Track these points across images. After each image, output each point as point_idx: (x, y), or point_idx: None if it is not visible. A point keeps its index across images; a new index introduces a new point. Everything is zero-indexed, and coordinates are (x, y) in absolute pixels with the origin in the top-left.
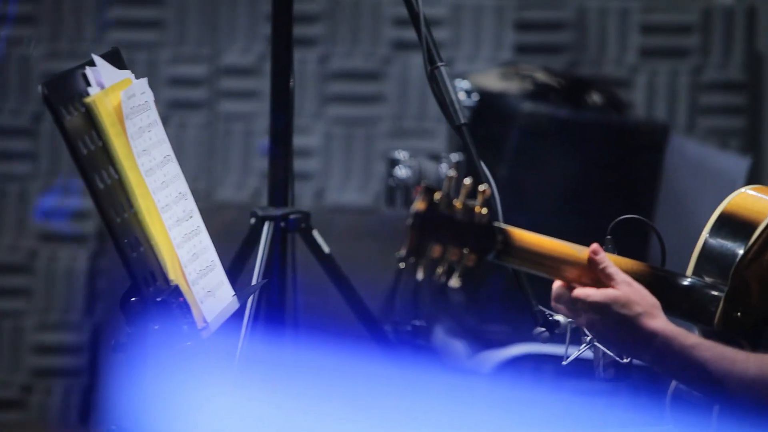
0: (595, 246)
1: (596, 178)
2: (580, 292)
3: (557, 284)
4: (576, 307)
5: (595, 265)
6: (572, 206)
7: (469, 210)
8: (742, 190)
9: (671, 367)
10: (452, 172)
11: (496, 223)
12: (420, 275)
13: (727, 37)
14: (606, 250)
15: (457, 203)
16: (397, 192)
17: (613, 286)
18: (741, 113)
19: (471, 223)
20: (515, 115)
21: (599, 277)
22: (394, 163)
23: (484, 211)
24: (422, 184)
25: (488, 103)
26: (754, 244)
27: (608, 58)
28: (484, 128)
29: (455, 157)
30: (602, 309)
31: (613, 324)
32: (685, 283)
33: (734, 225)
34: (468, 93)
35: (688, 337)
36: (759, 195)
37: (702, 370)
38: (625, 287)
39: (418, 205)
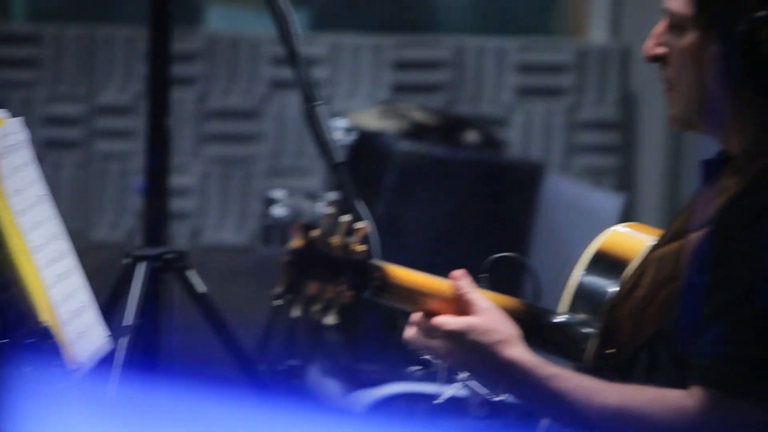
0: (458, 271)
1: (472, 216)
2: (438, 319)
3: (416, 314)
4: (434, 336)
5: (456, 291)
6: (449, 244)
7: (346, 247)
8: (616, 228)
9: (531, 397)
10: (330, 210)
11: (373, 261)
12: (296, 313)
13: (602, 77)
14: (481, 287)
15: (335, 240)
16: (273, 231)
17: (472, 313)
18: (615, 152)
19: (348, 261)
20: (392, 154)
21: (461, 304)
22: (271, 201)
23: (362, 248)
24: (299, 222)
25: (366, 141)
26: (626, 282)
27: (485, 97)
28: (362, 167)
29: (332, 195)
30: (459, 337)
31: (471, 352)
32: (559, 319)
33: (607, 263)
34: (346, 132)
35: (547, 368)
36: (631, 233)
37: (561, 401)
38: (484, 314)
39: (295, 242)
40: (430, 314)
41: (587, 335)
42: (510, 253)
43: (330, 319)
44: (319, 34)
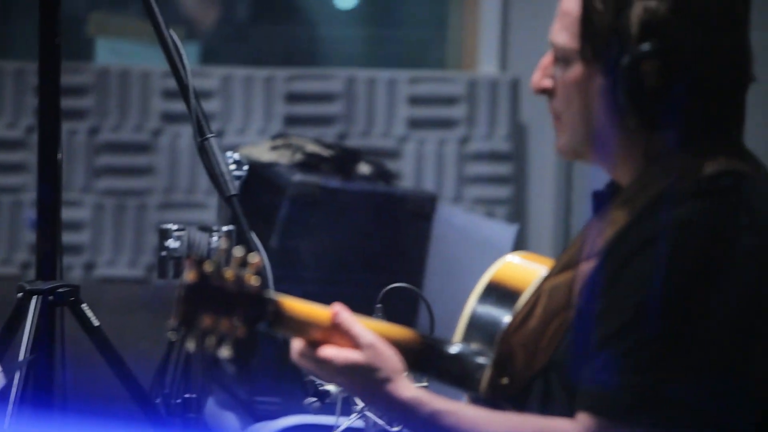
0: (336, 307)
1: (366, 248)
2: (324, 353)
3: (299, 343)
4: (321, 367)
5: (338, 327)
6: (343, 276)
7: (240, 280)
8: (509, 257)
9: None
10: (223, 243)
11: (267, 293)
12: (191, 347)
13: (492, 109)
14: (376, 317)
15: (228, 273)
16: (168, 264)
17: (357, 349)
18: (507, 183)
19: (242, 293)
20: (285, 186)
21: (346, 340)
22: (164, 234)
23: (255, 280)
24: (192, 255)
25: (259, 174)
26: (519, 312)
27: (377, 129)
28: (255, 199)
29: (226, 228)
30: (345, 373)
31: (357, 387)
32: (453, 350)
33: (500, 292)
34: (238, 164)
35: (432, 403)
36: (524, 262)
37: None
38: (368, 351)
39: (189, 275)
40: (317, 344)
41: (482, 365)
42: (404, 284)
43: (225, 353)
44: (210, 67)
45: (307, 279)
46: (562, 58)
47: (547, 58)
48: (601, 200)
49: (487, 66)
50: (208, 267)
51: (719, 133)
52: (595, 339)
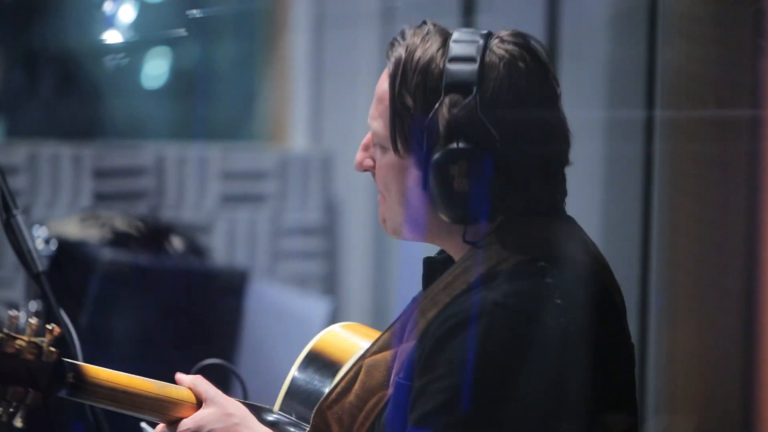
0: (178, 376)
1: (178, 324)
2: (183, 423)
3: (161, 429)
4: None
5: (188, 387)
6: (155, 353)
7: (36, 348)
8: (333, 327)
9: None
10: (14, 312)
11: (64, 360)
12: None
13: (304, 183)
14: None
15: (20, 342)
16: None
17: (204, 403)
18: (320, 257)
19: (38, 362)
20: (95, 263)
21: (198, 396)
22: None
23: (52, 348)
24: None
25: (67, 250)
26: (337, 385)
27: (188, 204)
28: (64, 276)
29: (34, 305)
30: (200, 428)
31: None
32: (270, 418)
33: (321, 362)
34: (46, 241)
35: None
36: (347, 334)
37: None
38: (215, 401)
39: None
40: (165, 419)
41: None
42: (216, 359)
43: (17, 422)
44: (16, 142)
45: (118, 357)
46: (379, 144)
47: (367, 138)
48: (432, 267)
49: (299, 139)
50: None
51: (537, 212)
52: (412, 418)
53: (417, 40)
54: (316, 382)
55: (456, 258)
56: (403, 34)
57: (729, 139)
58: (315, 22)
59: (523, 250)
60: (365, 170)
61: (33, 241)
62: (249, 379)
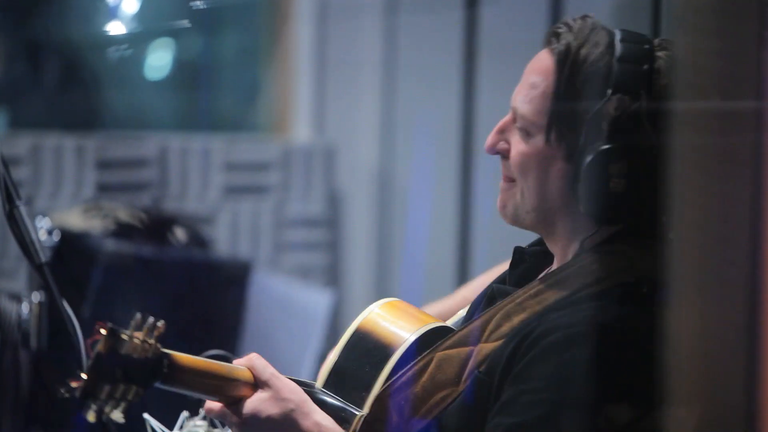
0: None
1: (182, 315)
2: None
3: (212, 406)
4: (232, 421)
5: (248, 365)
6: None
7: (148, 346)
8: (376, 306)
9: None
10: (137, 317)
11: (164, 351)
12: (90, 417)
13: (307, 175)
14: None
15: (136, 341)
16: None
17: (261, 385)
18: (323, 249)
19: (145, 359)
20: (98, 254)
21: (255, 379)
22: None
23: (159, 345)
24: (108, 325)
25: (70, 242)
26: (403, 375)
27: (191, 195)
28: (67, 267)
29: (37, 296)
30: (254, 416)
31: (268, 425)
32: (322, 397)
33: (368, 344)
34: (49, 232)
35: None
36: (392, 314)
37: None
38: (275, 381)
39: (100, 346)
40: (229, 401)
41: (347, 418)
42: (219, 350)
43: (118, 417)
44: (19, 133)
45: None
46: (523, 129)
47: (505, 120)
48: (521, 258)
49: (302, 131)
50: (123, 337)
51: (651, 227)
52: (503, 425)
53: (585, 32)
54: (365, 366)
55: (556, 255)
56: (568, 25)
57: (733, 130)
58: (318, 14)
59: (630, 272)
60: (497, 153)
61: (36, 232)
62: None
